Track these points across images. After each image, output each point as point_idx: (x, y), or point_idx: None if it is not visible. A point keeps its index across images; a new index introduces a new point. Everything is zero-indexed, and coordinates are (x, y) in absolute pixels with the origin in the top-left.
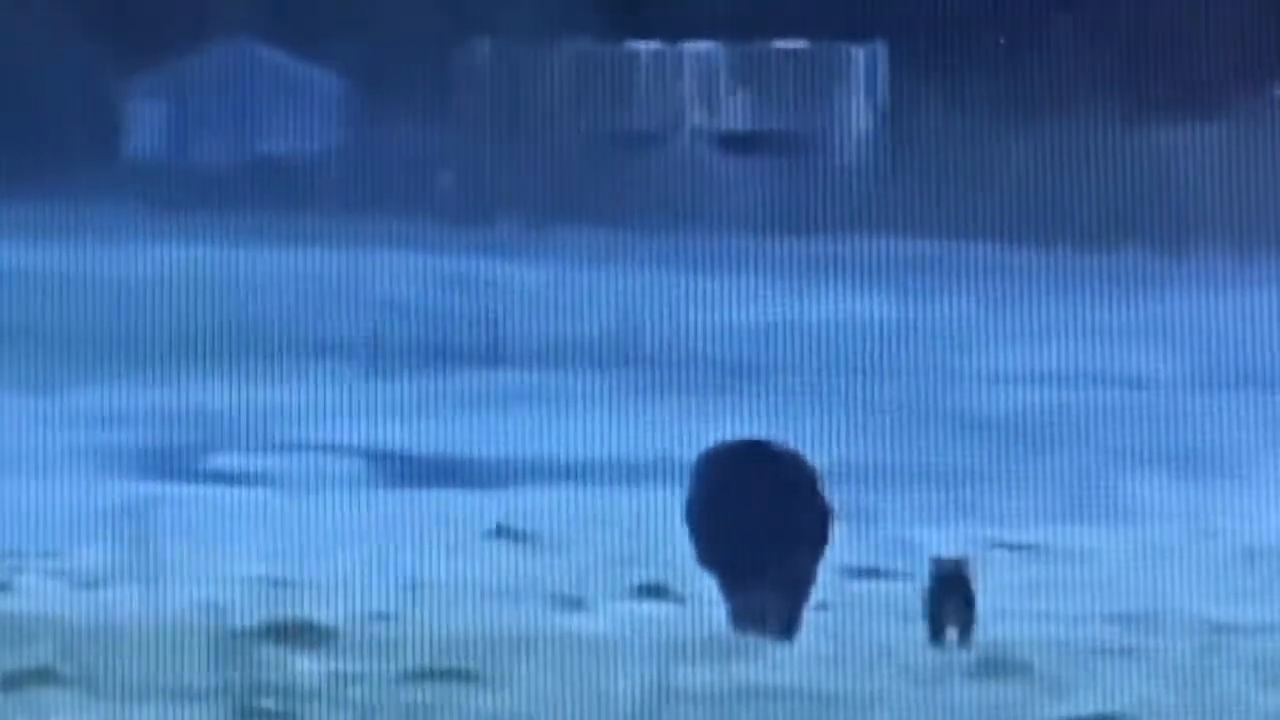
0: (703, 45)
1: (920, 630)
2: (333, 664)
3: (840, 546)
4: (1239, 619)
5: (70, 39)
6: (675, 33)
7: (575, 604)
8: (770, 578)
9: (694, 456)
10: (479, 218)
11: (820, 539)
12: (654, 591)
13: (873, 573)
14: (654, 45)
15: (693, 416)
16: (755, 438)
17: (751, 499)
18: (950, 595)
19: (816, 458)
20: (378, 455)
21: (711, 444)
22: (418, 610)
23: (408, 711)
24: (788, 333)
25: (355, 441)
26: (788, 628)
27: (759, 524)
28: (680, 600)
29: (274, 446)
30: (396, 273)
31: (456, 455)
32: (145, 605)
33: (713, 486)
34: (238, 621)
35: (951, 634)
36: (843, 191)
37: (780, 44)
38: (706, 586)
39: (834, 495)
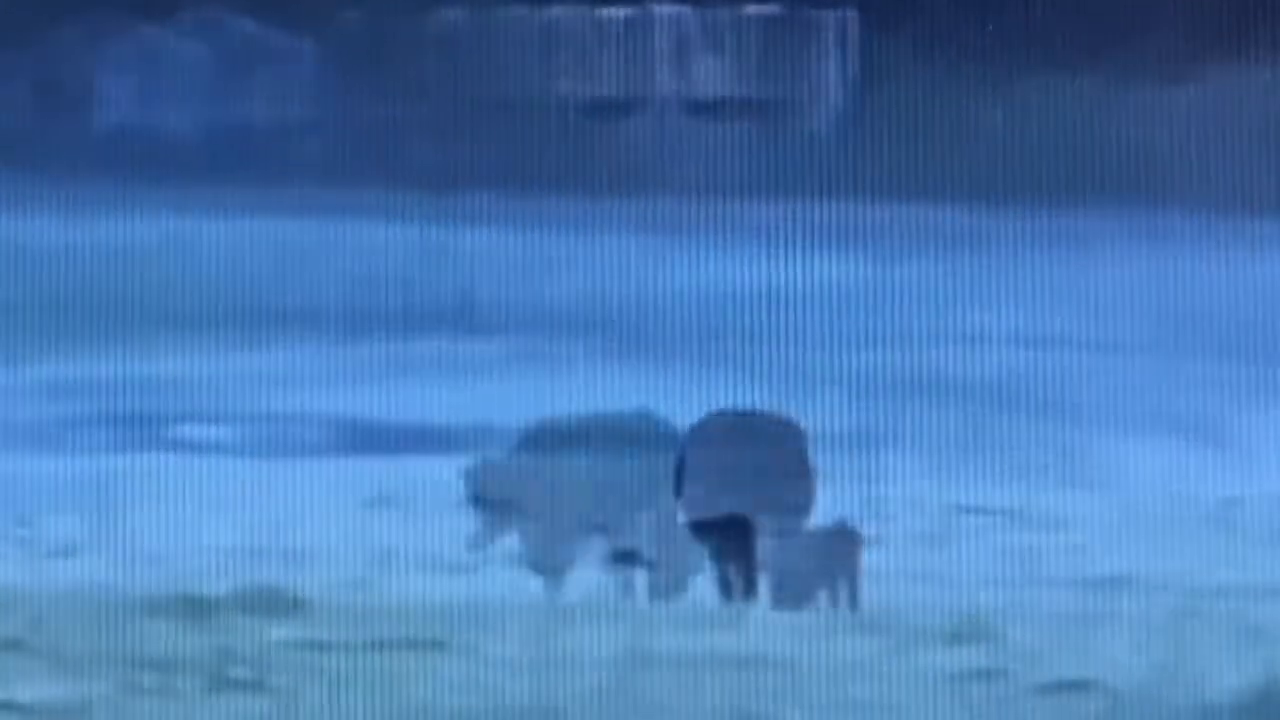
0: (673, 9)
1: (891, 593)
2: (305, 632)
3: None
4: (1214, 583)
5: (36, 6)
6: None
7: (547, 571)
8: (755, 546)
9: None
10: (450, 185)
11: (804, 508)
12: (626, 558)
13: None
14: (623, 10)
15: (665, 382)
16: (744, 407)
17: (738, 468)
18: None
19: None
20: (349, 423)
21: (702, 414)
22: (390, 578)
23: (381, 679)
24: (760, 298)
25: (327, 409)
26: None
27: (746, 493)
28: (653, 567)
29: (245, 415)
30: (367, 241)
31: (429, 422)
32: (114, 575)
33: (700, 456)
34: (208, 590)
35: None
36: (815, 156)
37: (752, 8)
38: (679, 554)
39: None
